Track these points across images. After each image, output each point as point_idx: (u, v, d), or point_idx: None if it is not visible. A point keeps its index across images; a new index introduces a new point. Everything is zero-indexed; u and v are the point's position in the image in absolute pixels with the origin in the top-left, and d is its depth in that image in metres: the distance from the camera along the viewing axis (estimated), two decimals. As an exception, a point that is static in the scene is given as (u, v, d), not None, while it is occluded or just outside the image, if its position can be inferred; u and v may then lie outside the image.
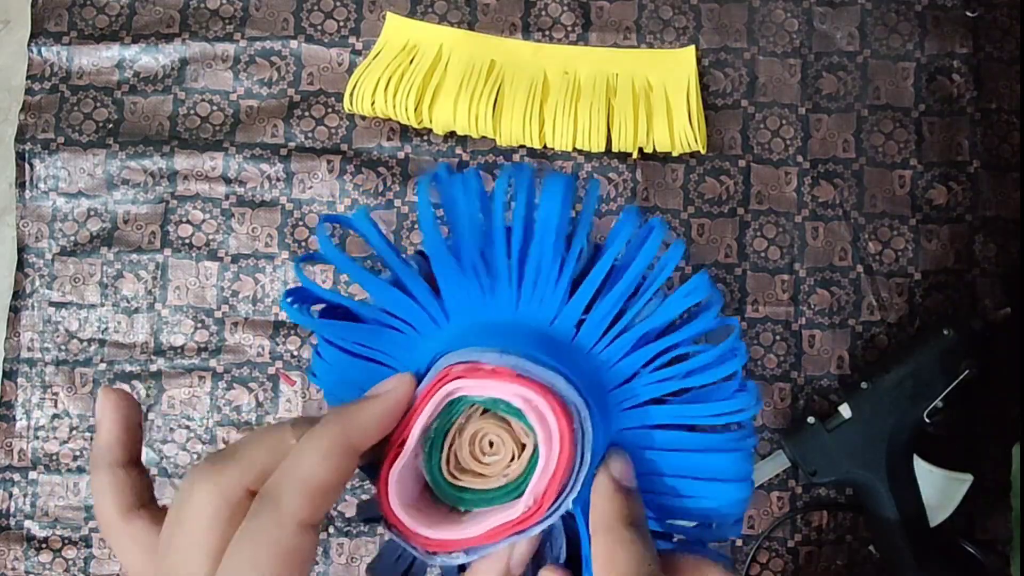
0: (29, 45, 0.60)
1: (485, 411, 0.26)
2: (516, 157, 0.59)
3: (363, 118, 0.59)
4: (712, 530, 0.29)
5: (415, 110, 0.57)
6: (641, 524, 0.25)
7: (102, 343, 0.58)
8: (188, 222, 0.59)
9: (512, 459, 0.25)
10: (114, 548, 0.27)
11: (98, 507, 0.27)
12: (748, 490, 0.28)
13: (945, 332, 0.53)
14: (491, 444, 0.26)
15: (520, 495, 0.25)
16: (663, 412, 0.28)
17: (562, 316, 0.27)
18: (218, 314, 0.58)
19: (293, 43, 0.60)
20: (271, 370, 0.58)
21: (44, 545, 0.57)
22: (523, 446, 0.25)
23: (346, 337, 0.29)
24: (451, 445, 0.26)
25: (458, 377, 0.25)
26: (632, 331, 0.27)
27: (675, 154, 0.58)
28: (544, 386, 0.25)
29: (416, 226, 0.59)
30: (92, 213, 0.59)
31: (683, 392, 0.28)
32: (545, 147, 0.59)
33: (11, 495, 0.57)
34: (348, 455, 0.24)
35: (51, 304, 0.58)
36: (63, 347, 0.58)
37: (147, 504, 0.27)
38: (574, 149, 0.58)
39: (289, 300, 0.29)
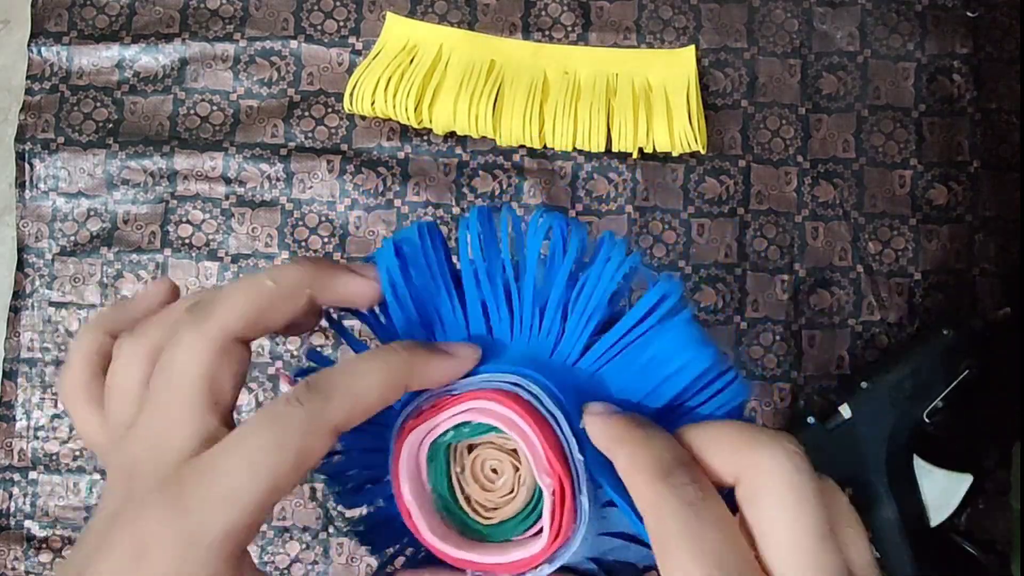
0: (29, 45, 0.60)
1: (472, 446, 0.26)
2: (516, 157, 0.59)
3: (363, 118, 0.59)
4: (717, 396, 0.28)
5: (415, 110, 0.57)
6: (650, 426, 0.24)
7: (102, 343, 0.58)
8: (188, 222, 0.59)
9: (514, 488, 0.26)
10: (72, 411, 0.27)
11: (67, 368, 0.27)
12: (709, 351, 0.27)
13: (945, 332, 0.53)
14: (494, 470, 0.26)
15: (534, 522, 0.25)
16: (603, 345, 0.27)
17: (540, 338, 0.28)
18: (218, 314, 0.58)
19: (293, 43, 0.60)
20: (271, 370, 0.58)
21: (44, 545, 0.57)
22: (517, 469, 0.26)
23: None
24: (457, 477, 0.26)
25: (424, 417, 0.26)
26: (583, 322, 0.28)
27: (675, 154, 0.58)
28: (501, 392, 0.25)
29: (416, 226, 0.59)
30: (92, 213, 0.59)
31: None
32: (545, 147, 0.59)
33: (11, 495, 0.57)
34: (401, 389, 0.25)
35: (51, 304, 0.58)
36: (63, 347, 0.58)
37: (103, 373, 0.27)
38: (574, 149, 0.58)
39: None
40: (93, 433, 0.27)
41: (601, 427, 0.24)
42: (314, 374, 0.24)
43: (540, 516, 0.25)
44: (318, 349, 0.58)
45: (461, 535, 0.26)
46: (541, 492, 0.25)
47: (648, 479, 0.22)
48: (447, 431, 0.26)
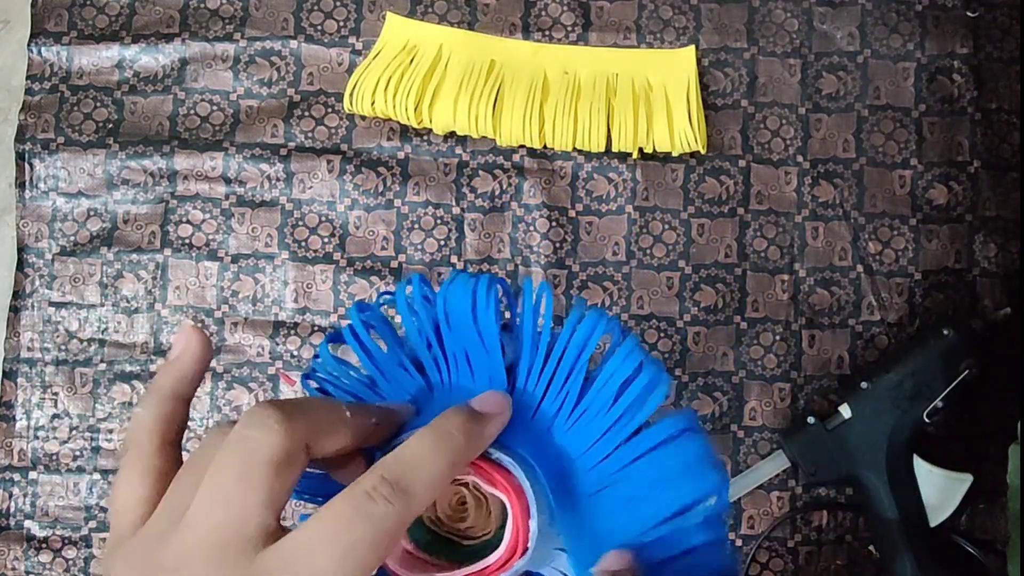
0: (29, 45, 0.60)
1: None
2: (516, 157, 0.59)
3: (363, 118, 0.59)
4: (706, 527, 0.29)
5: (415, 110, 0.57)
6: None
7: (102, 343, 0.58)
8: (188, 222, 0.59)
9: (487, 516, 0.28)
10: (125, 475, 0.26)
11: (136, 430, 0.27)
12: (718, 477, 0.29)
13: (945, 332, 0.53)
14: (463, 503, 0.28)
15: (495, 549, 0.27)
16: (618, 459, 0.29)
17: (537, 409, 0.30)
18: (218, 314, 0.58)
19: (293, 43, 0.60)
20: (271, 370, 0.58)
21: (44, 545, 0.57)
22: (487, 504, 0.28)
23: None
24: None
25: None
26: (590, 418, 0.29)
27: (675, 154, 0.58)
28: (505, 483, 0.27)
29: (415, 226, 0.59)
30: (92, 213, 0.59)
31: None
32: (545, 147, 0.59)
33: (11, 495, 0.57)
34: (462, 467, 0.27)
35: (51, 304, 0.58)
36: (63, 347, 0.58)
37: (177, 443, 0.27)
38: (574, 149, 0.58)
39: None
40: (132, 514, 0.25)
41: None
42: (390, 462, 0.25)
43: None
44: (318, 346, 0.58)
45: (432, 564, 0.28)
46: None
47: None
48: None
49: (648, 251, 0.58)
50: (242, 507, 0.23)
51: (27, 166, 0.59)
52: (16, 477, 0.57)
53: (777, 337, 0.58)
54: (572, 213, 0.59)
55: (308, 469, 0.25)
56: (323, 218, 0.59)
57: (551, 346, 0.29)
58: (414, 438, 0.26)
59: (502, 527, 0.27)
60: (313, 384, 0.33)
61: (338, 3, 0.60)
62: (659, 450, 0.28)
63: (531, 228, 0.58)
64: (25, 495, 0.57)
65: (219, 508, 0.23)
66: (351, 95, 0.58)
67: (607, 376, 0.29)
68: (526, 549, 0.27)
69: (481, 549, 0.28)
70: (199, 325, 0.58)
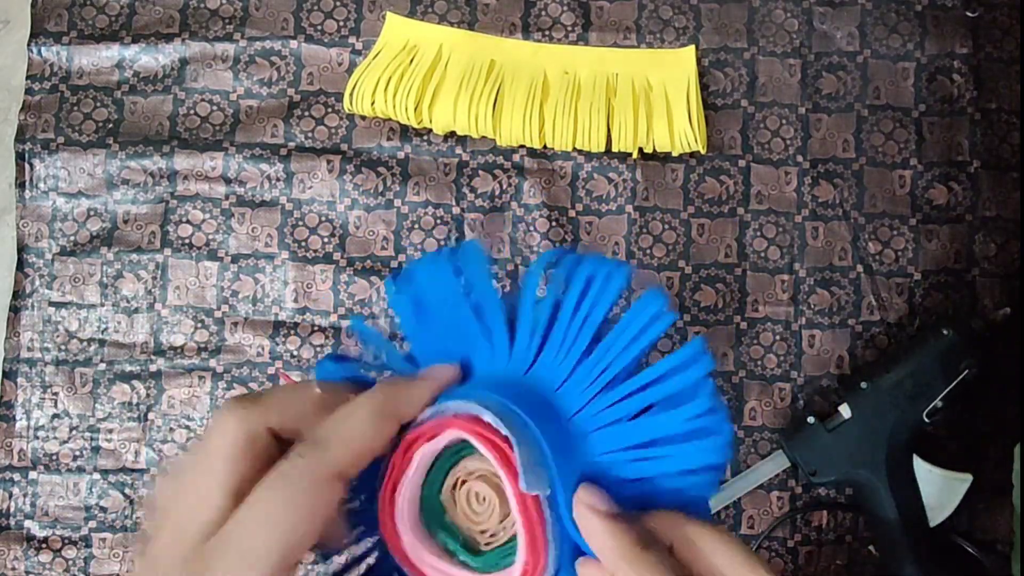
0: (29, 45, 0.60)
1: (478, 476, 0.27)
2: (516, 157, 0.59)
3: (363, 118, 0.59)
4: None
5: (415, 110, 0.57)
6: (651, 543, 0.26)
7: (102, 343, 0.58)
8: (188, 222, 0.59)
9: (502, 520, 0.27)
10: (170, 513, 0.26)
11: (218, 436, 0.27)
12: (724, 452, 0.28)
13: (945, 332, 0.53)
14: (479, 498, 0.27)
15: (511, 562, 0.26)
16: (627, 430, 0.28)
17: (563, 379, 0.29)
18: (218, 314, 0.58)
19: (293, 43, 0.60)
20: (271, 370, 0.58)
21: (44, 545, 0.57)
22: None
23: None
24: (451, 487, 0.28)
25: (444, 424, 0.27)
26: (601, 374, 0.29)
27: (675, 154, 0.58)
28: (484, 423, 0.26)
29: (415, 226, 0.59)
30: (92, 213, 0.59)
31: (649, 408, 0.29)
32: (545, 147, 0.59)
33: (11, 495, 0.57)
34: (393, 422, 0.27)
35: (51, 304, 0.58)
36: (63, 347, 0.58)
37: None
38: (574, 149, 0.58)
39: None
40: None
41: (599, 533, 0.26)
42: (316, 427, 0.25)
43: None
44: (318, 346, 0.58)
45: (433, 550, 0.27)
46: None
47: None
48: (437, 456, 0.27)
49: (648, 251, 0.58)
50: (199, 496, 0.24)
51: (27, 166, 0.59)
52: (16, 477, 0.57)
53: (777, 337, 0.58)
54: (572, 213, 0.59)
55: None
56: (323, 218, 0.59)
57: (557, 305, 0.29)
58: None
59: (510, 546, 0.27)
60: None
61: (338, 3, 0.60)
62: (668, 411, 0.28)
63: (531, 228, 0.58)
64: (25, 495, 0.57)
65: (181, 499, 0.24)
66: (351, 95, 0.58)
67: (620, 330, 0.28)
68: (546, 551, 0.26)
69: (502, 555, 0.27)
70: (201, 323, 0.58)
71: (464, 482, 0.27)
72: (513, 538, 0.27)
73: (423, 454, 0.27)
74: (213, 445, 0.24)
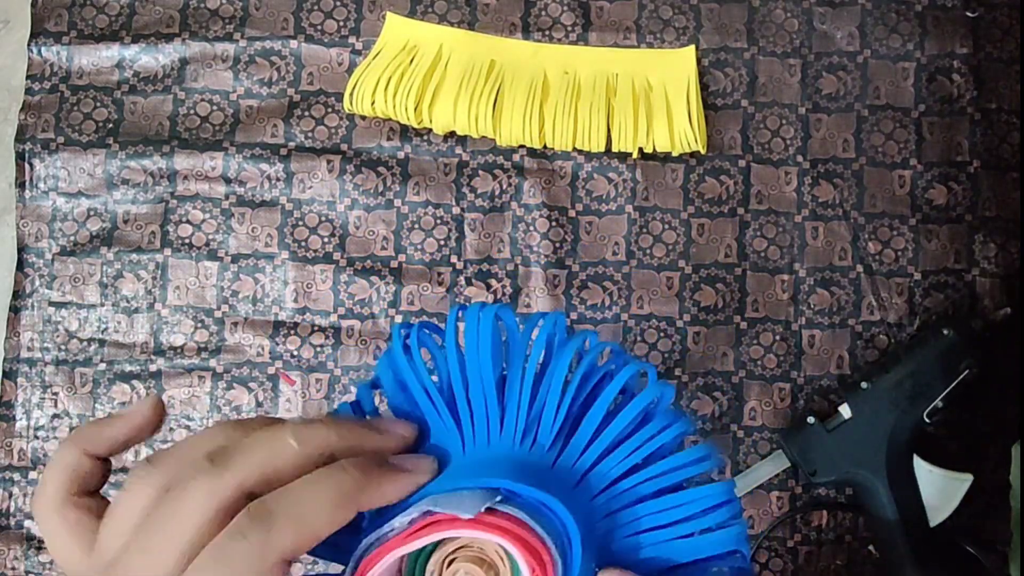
0: (29, 45, 0.60)
1: (463, 546, 0.26)
2: (516, 157, 0.59)
3: (363, 118, 0.59)
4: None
5: (415, 110, 0.57)
6: None
7: (102, 343, 0.58)
8: (188, 222, 0.59)
9: None
10: (45, 532, 0.26)
11: (42, 485, 0.26)
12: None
13: (945, 332, 0.53)
14: None
15: None
16: (645, 509, 0.28)
17: (560, 453, 0.28)
18: (218, 314, 0.58)
19: (293, 43, 0.60)
20: (271, 370, 0.58)
21: (44, 545, 0.57)
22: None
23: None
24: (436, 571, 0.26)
25: (440, 525, 0.25)
26: (613, 450, 0.28)
27: (675, 154, 0.58)
28: (518, 534, 0.24)
29: (415, 226, 0.59)
30: (92, 213, 0.59)
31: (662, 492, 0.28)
32: (545, 147, 0.59)
33: (11, 495, 0.57)
34: (352, 511, 0.24)
35: (51, 304, 0.58)
36: (63, 347, 0.58)
37: (92, 493, 0.26)
38: (574, 149, 0.58)
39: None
40: (69, 560, 0.25)
41: None
42: (266, 496, 0.23)
43: None
44: (318, 346, 0.58)
45: None
46: None
47: None
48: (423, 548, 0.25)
49: (648, 251, 0.58)
50: (160, 564, 0.22)
51: (27, 166, 0.59)
52: (16, 477, 0.57)
53: (777, 337, 0.58)
54: (572, 213, 0.59)
55: None
56: (323, 218, 0.59)
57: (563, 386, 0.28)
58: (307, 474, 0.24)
59: None
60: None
61: (338, 3, 0.60)
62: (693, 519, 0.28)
63: (531, 228, 0.58)
64: (25, 495, 0.57)
65: (139, 561, 0.22)
66: (351, 95, 0.58)
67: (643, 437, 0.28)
68: None
69: None
70: (201, 323, 0.58)
71: (450, 562, 0.25)
72: None
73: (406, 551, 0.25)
74: (181, 518, 0.22)
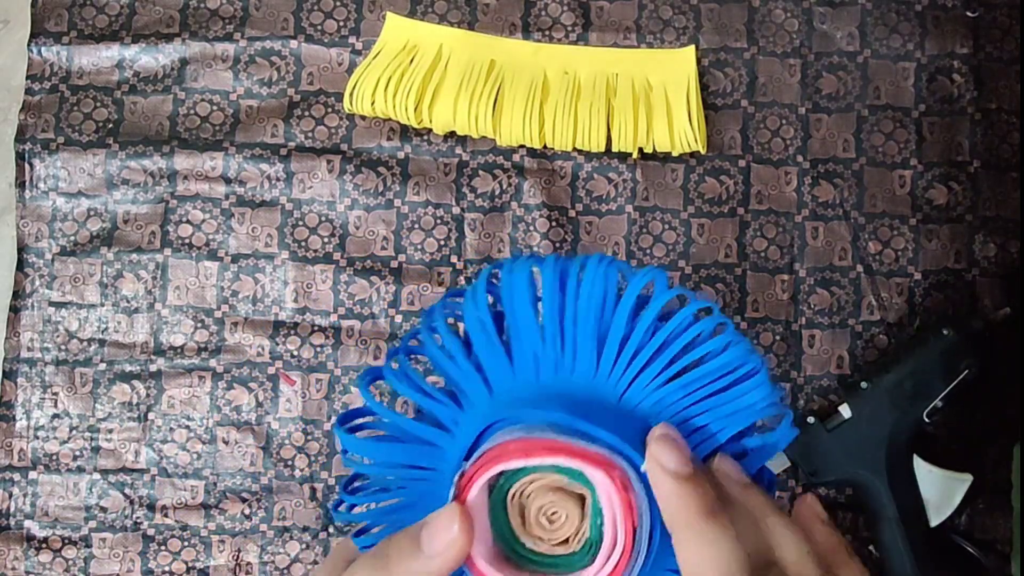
0: (29, 45, 0.60)
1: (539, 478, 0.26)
2: (516, 157, 0.59)
3: (363, 118, 0.59)
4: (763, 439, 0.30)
5: (415, 110, 0.57)
6: (718, 512, 0.25)
7: (102, 343, 0.58)
8: (188, 222, 0.59)
9: (578, 529, 0.26)
10: None
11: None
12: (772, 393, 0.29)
13: (945, 332, 0.53)
14: (555, 514, 0.26)
15: (590, 562, 0.25)
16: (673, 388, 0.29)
17: (607, 379, 0.29)
18: (218, 314, 0.58)
19: (293, 43, 0.60)
20: (271, 370, 0.58)
21: (44, 545, 0.57)
22: (583, 503, 0.26)
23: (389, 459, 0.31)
24: (519, 511, 0.26)
25: (512, 456, 0.25)
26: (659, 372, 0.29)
27: (675, 154, 0.58)
28: (596, 456, 0.25)
29: (415, 226, 0.59)
30: (92, 213, 0.59)
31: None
32: (545, 147, 0.59)
33: (11, 495, 0.57)
34: None
35: (51, 304, 0.58)
36: (63, 347, 0.58)
37: None
38: (574, 149, 0.58)
39: (344, 426, 0.31)
40: None
41: (667, 496, 0.25)
42: None
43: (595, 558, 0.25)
44: (318, 346, 0.58)
45: (515, 567, 0.26)
46: (592, 543, 0.26)
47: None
48: (513, 472, 0.26)
49: (648, 251, 0.58)
50: None
51: (27, 166, 0.59)
52: (16, 477, 0.57)
53: (777, 337, 0.58)
54: (572, 213, 0.59)
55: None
56: (323, 218, 0.59)
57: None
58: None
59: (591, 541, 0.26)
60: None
61: (338, 3, 0.60)
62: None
63: (531, 228, 0.58)
64: (25, 495, 0.57)
65: None
66: (351, 95, 0.58)
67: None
68: (633, 549, 0.25)
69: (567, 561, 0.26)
70: (201, 323, 0.58)
71: (521, 497, 0.26)
72: (588, 540, 0.26)
73: (480, 487, 0.26)
74: None
